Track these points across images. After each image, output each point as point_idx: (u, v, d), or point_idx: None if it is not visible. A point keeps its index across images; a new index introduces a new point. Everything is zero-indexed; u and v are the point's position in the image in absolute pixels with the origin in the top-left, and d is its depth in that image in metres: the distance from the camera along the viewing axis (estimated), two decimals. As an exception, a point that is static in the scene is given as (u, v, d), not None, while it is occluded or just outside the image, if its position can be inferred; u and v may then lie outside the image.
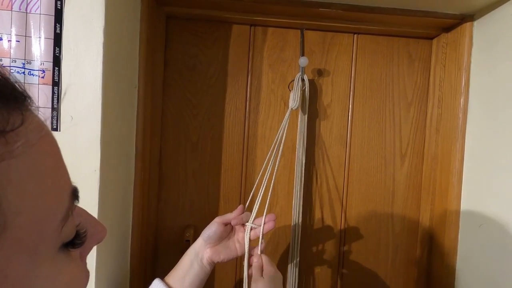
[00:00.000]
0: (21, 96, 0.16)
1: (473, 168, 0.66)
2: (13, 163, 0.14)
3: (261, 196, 0.60)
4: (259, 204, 0.59)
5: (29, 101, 0.16)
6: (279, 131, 0.64)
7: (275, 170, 0.61)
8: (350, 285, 0.78)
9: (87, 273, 0.22)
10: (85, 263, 0.22)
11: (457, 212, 0.68)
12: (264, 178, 0.61)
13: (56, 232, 0.17)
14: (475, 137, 0.66)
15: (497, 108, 0.60)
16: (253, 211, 0.59)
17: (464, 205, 0.68)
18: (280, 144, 0.63)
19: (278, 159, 0.62)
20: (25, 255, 0.16)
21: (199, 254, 0.54)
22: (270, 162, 0.62)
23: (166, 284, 0.51)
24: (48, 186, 0.17)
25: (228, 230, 0.57)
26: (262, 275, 0.53)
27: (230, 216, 0.57)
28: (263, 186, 0.60)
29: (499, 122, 0.59)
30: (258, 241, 0.57)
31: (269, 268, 0.54)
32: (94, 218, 0.23)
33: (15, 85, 0.16)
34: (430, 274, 0.75)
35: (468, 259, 0.66)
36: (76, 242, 0.19)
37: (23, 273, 0.16)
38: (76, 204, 0.19)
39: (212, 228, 0.55)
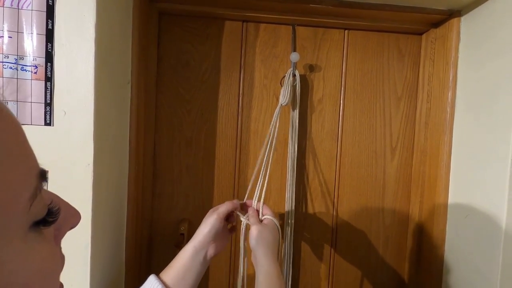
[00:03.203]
0: None
1: (460, 161, 0.68)
2: None
3: (258, 191, 0.63)
4: (257, 197, 0.63)
5: None
6: (270, 128, 0.66)
7: (269, 166, 0.64)
8: (343, 276, 0.79)
9: (62, 257, 0.22)
10: (60, 248, 0.23)
11: (445, 204, 0.70)
12: (260, 175, 0.64)
13: (25, 210, 0.18)
14: (462, 131, 0.67)
15: (483, 102, 0.62)
16: (254, 201, 0.63)
17: (452, 197, 0.69)
18: (272, 141, 0.65)
19: (271, 155, 0.65)
20: None
21: (202, 251, 0.53)
22: (264, 158, 0.64)
23: (163, 282, 0.50)
24: (12, 164, 0.17)
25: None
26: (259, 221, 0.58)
27: (228, 207, 0.58)
28: (259, 182, 0.63)
29: (485, 115, 0.61)
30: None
31: (266, 211, 0.61)
32: (67, 202, 0.23)
33: None
34: (419, 263, 0.77)
35: (456, 248, 0.68)
36: (48, 220, 0.20)
37: None
38: (44, 184, 0.20)
39: (216, 225, 0.55)
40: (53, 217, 0.20)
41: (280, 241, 0.58)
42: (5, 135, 0.17)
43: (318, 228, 0.79)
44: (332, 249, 0.79)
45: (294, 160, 0.73)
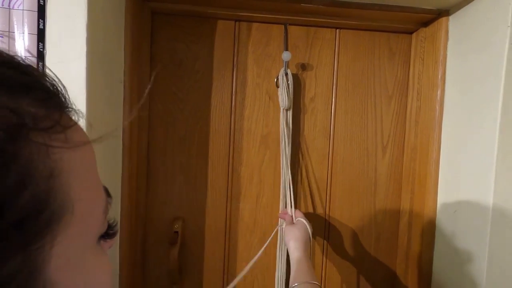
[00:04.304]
0: (69, 103, 0.19)
1: (449, 158, 0.69)
2: (72, 155, 0.17)
3: (291, 200, 0.71)
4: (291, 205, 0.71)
5: (73, 108, 0.19)
6: (281, 135, 0.73)
7: (289, 173, 0.72)
8: (335, 272, 0.81)
9: None
10: None
11: (435, 200, 0.71)
12: (287, 184, 0.72)
13: (100, 222, 0.19)
14: (451, 128, 0.68)
15: (471, 100, 0.63)
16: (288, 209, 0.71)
17: (441, 193, 0.71)
18: (286, 147, 0.72)
19: (289, 161, 0.73)
20: (81, 241, 0.17)
21: None
22: (284, 166, 0.73)
23: None
24: (94, 180, 0.19)
25: None
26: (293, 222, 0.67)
27: None
28: (290, 191, 0.72)
29: (472, 113, 0.62)
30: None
31: (298, 214, 0.69)
32: None
33: (66, 95, 0.19)
34: (410, 258, 0.78)
35: (445, 243, 0.69)
36: (109, 232, 0.21)
37: (80, 258, 0.17)
38: (109, 201, 0.21)
39: None
40: (113, 230, 0.22)
41: (311, 238, 0.66)
42: (90, 154, 0.19)
43: (311, 225, 0.80)
44: (324, 245, 0.80)
45: (287, 158, 0.74)
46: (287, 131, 0.72)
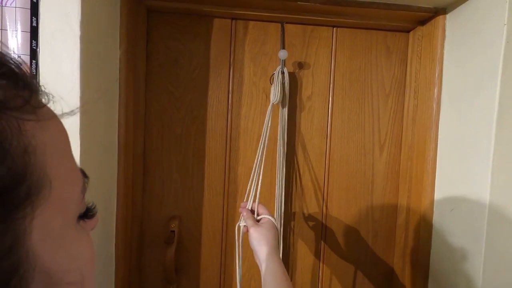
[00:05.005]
0: (39, 87, 0.19)
1: (446, 156, 0.69)
2: (45, 135, 0.17)
3: (253, 192, 0.63)
4: (253, 198, 0.63)
5: (43, 91, 0.20)
6: (264, 128, 0.67)
7: (262, 166, 0.66)
8: (332, 270, 0.81)
9: None
10: None
11: (432, 198, 0.71)
12: (255, 175, 0.65)
13: (79, 200, 0.20)
14: (448, 126, 0.68)
15: (467, 98, 0.63)
16: (249, 202, 0.63)
17: (438, 191, 0.71)
18: (266, 140, 0.66)
19: (264, 154, 0.66)
20: (61, 216, 0.18)
21: None
22: (257, 157, 0.66)
23: None
24: (69, 159, 0.20)
25: None
26: (256, 222, 0.58)
27: None
28: (254, 183, 0.64)
29: (469, 111, 0.62)
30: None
31: (262, 210, 0.61)
32: None
33: (34, 78, 0.20)
34: (407, 257, 0.78)
35: (441, 242, 0.69)
36: (88, 214, 0.22)
37: (61, 233, 0.18)
38: (86, 181, 0.22)
39: None
40: (92, 211, 0.23)
41: (279, 238, 0.59)
42: (63, 135, 0.20)
43: (308, 224, 0.80)
44: (322, 244, 0.80)
45: (283, 157, 0.74)
46: (269, 126, 0.68)
